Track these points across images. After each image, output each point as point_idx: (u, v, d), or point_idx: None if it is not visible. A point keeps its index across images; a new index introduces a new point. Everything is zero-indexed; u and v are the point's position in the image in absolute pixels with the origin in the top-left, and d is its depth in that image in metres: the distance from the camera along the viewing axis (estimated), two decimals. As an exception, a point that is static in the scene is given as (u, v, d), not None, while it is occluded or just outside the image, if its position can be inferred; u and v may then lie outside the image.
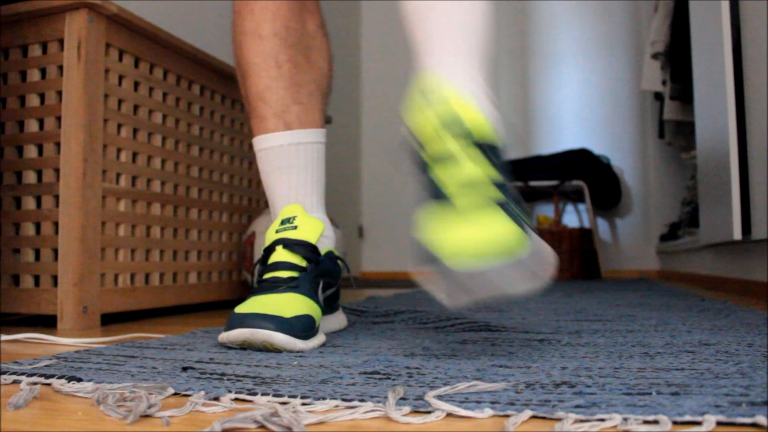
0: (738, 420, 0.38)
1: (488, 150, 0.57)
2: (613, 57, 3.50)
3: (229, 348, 0.71)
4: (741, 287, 1.69)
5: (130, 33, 1.18)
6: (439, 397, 0.45)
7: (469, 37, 0.63)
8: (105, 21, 1.11)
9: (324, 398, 0.45)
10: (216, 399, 0.46)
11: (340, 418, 0.41)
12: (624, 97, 3.50)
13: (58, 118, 1.07)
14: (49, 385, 0.53)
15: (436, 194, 0.57)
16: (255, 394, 0.47)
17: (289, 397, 0.46)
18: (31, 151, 1.09)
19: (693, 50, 2.12)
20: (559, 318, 1.02)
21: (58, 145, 1.07)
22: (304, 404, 0.44)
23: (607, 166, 3.31)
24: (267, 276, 0.78)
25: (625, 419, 0.39)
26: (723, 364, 0.56)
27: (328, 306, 0.87)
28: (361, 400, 0.44)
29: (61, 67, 1.08)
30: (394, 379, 0.52)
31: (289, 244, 0.79)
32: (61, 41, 1.08)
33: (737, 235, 1.56)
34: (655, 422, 0.38)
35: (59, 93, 1.07)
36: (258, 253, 1.39)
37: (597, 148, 3.39)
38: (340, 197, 3.40)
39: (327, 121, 2.01)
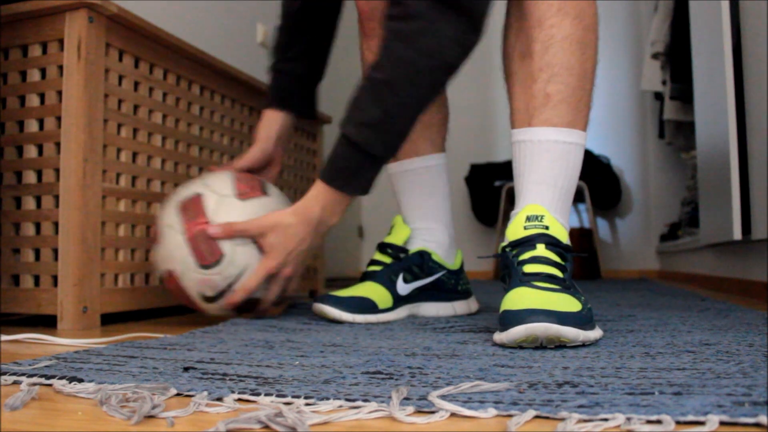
0: (741, 420, 0.38)
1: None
2: (613, 57, 3.50)
3: (229, 348, 0.71)
4: (741, 287, 1.70)
5: (130, 33, 1.17)
6: (443, 397, 0.45)
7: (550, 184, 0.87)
8: (105, 21, 1.11)
9: (327, 398, 0.45)
10: (219, 399, 0.46)
11: (344, 418, 0.41)
12: (624, 97, 3.51)
13: (58, 118, 1.07)
14: (49, 385, 0.53)
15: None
16: (258, 394, 0.47)
17: (293, 397, 0.46)
18: (31, 151, 1.09)
19: (693, 50, 2.12)
20: (559, 318, 1.02)
21: (58, 145, 1.07)
22: (307, 404, 0.44)
23: (607, 166, 3.31)
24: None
25: (629, 419, 0.39)
26: (724, 364, 0.56)
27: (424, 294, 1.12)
28: (365, 401, 0.44)
29: (61, 67, 1.08)
30: (396, 379, 0.52)
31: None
32: (61, 41, 1.08)
33: (737, 235, 1.56)
34: (659, 422, 0.38)
35: (59, 93, 1.07)
36: None
37: (597, 148, 3.40)
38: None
39: (327, 120, 2.01)
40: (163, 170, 1.27)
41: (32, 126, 1.09)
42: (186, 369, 0.58)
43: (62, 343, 0.84)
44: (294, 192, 1.83)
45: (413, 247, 1.12)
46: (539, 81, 0.88)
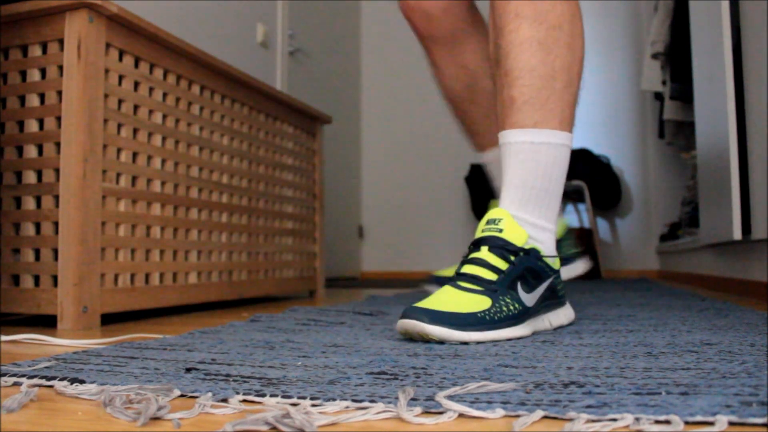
0: (750, 420, 0.38)
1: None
2: (613, 57, 3.50)
3: (229, 349, 0.71)
4: (741, 287, 1.70)
5: (130, 33, 1.17)
6: (450, 398, 0.44)
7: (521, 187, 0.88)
8: (105, 21, 1.10)
9: (334, 399, 0.45)
10: (224, 400, 0.46)
11: (352, 419, 0.40)
12: (624, 97, 3.51)
13: (58, 118, 1.07)
14: (50, 387, 0.52)
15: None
16: (263, 395, 0.47)
17: (299, 398, 0.46)
18: (31, 151, 1.09)
19: (693, 50, 2.12)
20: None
21: (58, 145, 1.06)
22: (314, 405, 0.44)
23: (607, 166, 3.31)
24: None
25: (637, 419, 0.39)
26: (728, 364, 0.56)
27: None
28: (372, 401, 0.44)
29: (61, 67, 1.07)
30: (401, 380, 0.52)
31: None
32: (61, 41, 1.07)
33: (737, 235, 1.56)
34: (667, 422, 0.38)
35: (59, 93, 1.07)
36: None
37: (597, 148, 3.40)
38: (340, 197, 3.40)
39: (327, 120, 2.01)
40: (163, 170, 1.27)
41: (32, 126, 1.09)
42: (188, 370, 0.58)
43: (61, 343, 0.84)
44: (294, 191, 1.83)
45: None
46: (505, 86, 0.91)
